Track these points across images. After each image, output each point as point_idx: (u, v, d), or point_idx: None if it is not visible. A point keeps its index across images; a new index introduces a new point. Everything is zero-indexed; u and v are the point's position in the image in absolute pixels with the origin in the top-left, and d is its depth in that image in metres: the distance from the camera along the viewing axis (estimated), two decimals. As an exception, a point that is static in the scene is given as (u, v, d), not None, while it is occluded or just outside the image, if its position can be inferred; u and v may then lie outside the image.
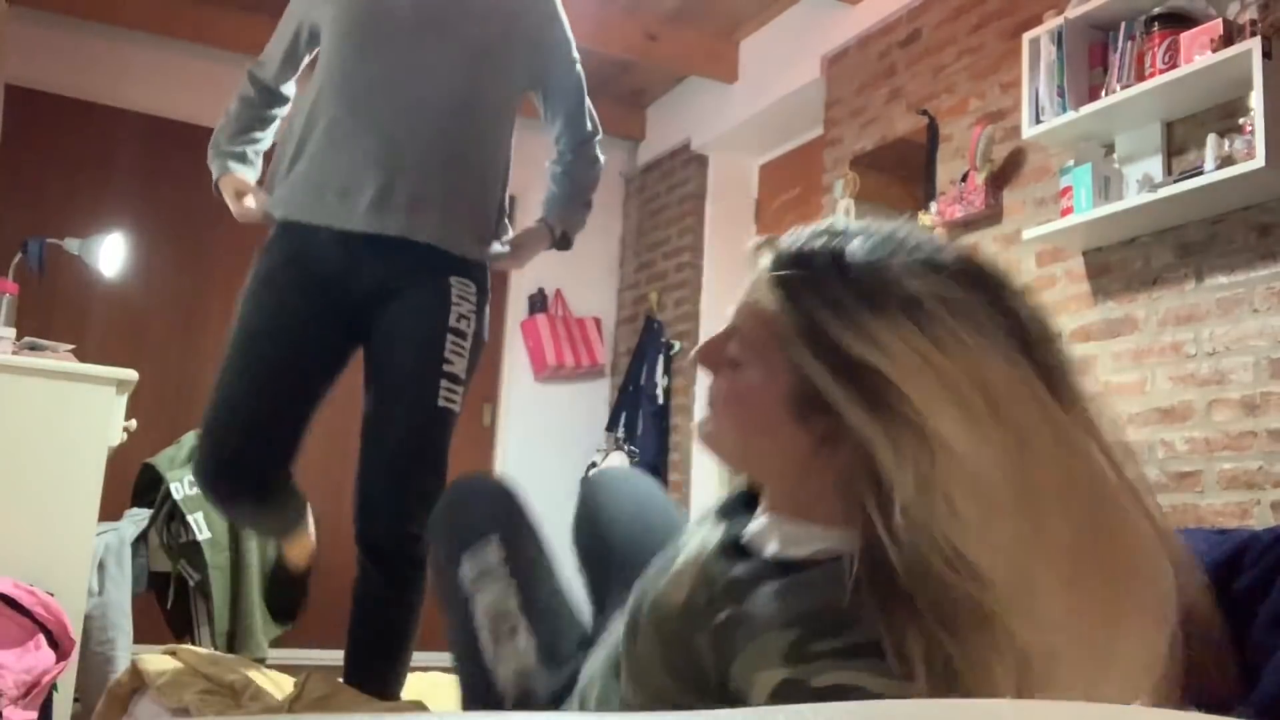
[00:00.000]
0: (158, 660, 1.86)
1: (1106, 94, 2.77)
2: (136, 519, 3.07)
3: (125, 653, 2.79)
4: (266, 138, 2.15)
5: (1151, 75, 2.66)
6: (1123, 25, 2.78)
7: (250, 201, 2.03)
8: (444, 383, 1.92)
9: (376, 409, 1.94)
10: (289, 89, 2.15)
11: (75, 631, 2.34)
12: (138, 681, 1.86)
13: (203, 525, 2.93)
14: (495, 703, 1.15)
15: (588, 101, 2.28)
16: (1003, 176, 3.26)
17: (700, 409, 4.95)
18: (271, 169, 2.04)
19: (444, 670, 2.21)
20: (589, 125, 2.28)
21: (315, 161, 1.95)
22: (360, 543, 1.92)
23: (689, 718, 0.52)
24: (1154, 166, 2.76)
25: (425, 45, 1.97)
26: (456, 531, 1.33)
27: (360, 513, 1.92)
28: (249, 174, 2.09)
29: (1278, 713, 1.65)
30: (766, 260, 0.91)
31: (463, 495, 1.42)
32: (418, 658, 2.00)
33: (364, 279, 1.95)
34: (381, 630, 1.93)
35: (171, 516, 3.00)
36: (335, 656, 1.96)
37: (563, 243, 2.26)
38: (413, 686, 2.05)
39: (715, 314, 4.85)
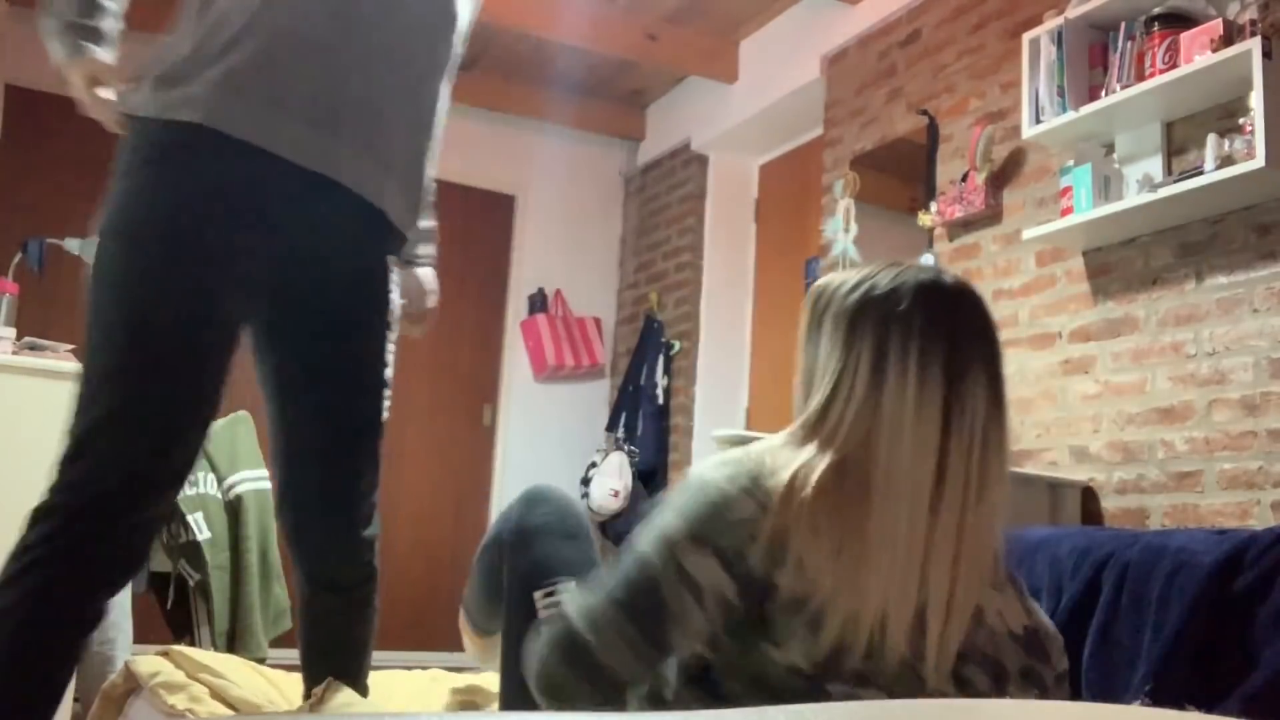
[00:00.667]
0: (151, 662, 1.86)
1: (1106, 94, 2.77)
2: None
3: (125, 652, 2.79)
4: (122, 3, 1.62)
5: (1151, 75, 2.66)
6: (1123, 25, 2.78)
7: (109, 93, 1.54)
8: (385, 393, 1.66)
9: (313, 429, 1.61)
10: None
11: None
12: (132, 683, 1.85)
13: (202, 525, 2.93)
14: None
15: None
16: (1003, 176, 3.26)
17: (701, 408, 4.92)
18: (177, 63, 1.51)
19: (444, 669, 2.21)
20: None
21: (270, 71, 1.48)
22: (308, 578, 1.69)
23: (690, 718, 0.53)
24: (1154, 166, 2.76)
25: None
26: (536, 554, 1.44)
27: (307, 553, 1.66)
28: (105, 55, 1.56)
29: (1264, 703, 1.66)
30: None
31: (546, 515, 1.48)
32: (419, 657, 1.99)
33: (296, 232, 1.53)
34: (345, 646, 1.73)
35: (171, 516, 3.00)
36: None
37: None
38: (413, 684, 2.05)
39: (715, 314, 4.85)
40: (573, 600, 1.13)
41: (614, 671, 1.08)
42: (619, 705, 1.13)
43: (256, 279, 1.51)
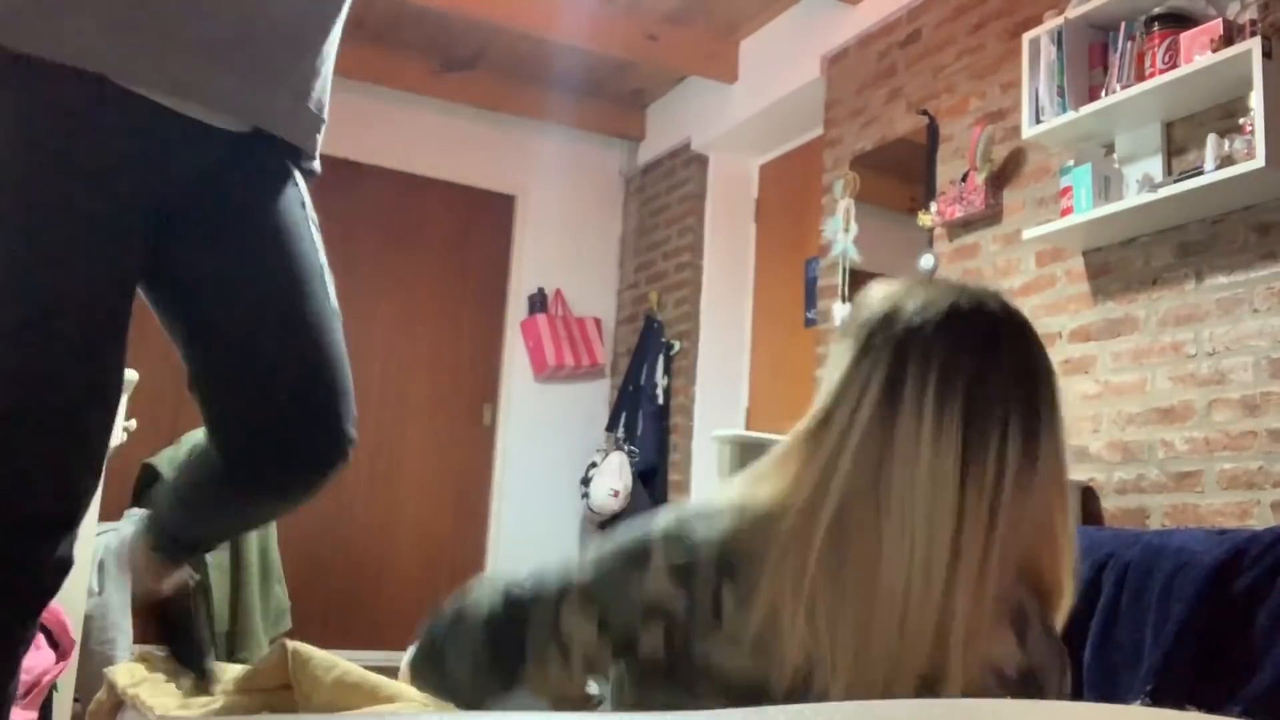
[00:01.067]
0: (128, 671, 1.85)
1: (1106, 94, 2.77)
2: (136, 519, 3.07)
3: (125, 653, 2.79)
4: None
5: (1151, 75, 2.66)
6: (1123, 25, 2.78)
7: None
8: (329, 279, 1.43)
9: (258, 323, 1.37)
10: None
11: (75, 631, 2.34)
12: (115, 697, 1.85)
13: (203, 525, 2.93)
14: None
15: None
16: (1003, 176, 3.26)
17: (701, 408, 4.90)
18: None
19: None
20: None
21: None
22: (264, 478, 1.45)
23: (694, 718, 0.53)
24: (1154, 166, 2.77)
25: None
26: None
27: (271, 485, 1.44)
28: None
29: (1269, 705, 1.66)
30: None
31: None
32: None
33: (183, 167, 1.33)
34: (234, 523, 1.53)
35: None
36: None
37: None
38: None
39: (715, 314, 4.85)
40: (474, 593, 1.09)
41: (458, 681, 1.08)
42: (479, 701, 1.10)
43: (155, 234, 1.32)
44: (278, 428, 1.39)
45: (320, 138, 1.46)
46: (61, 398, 1.21)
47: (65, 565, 1.24)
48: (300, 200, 1.42)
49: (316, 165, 1.48)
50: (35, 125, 1.21)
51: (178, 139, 1.30)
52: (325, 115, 1.46)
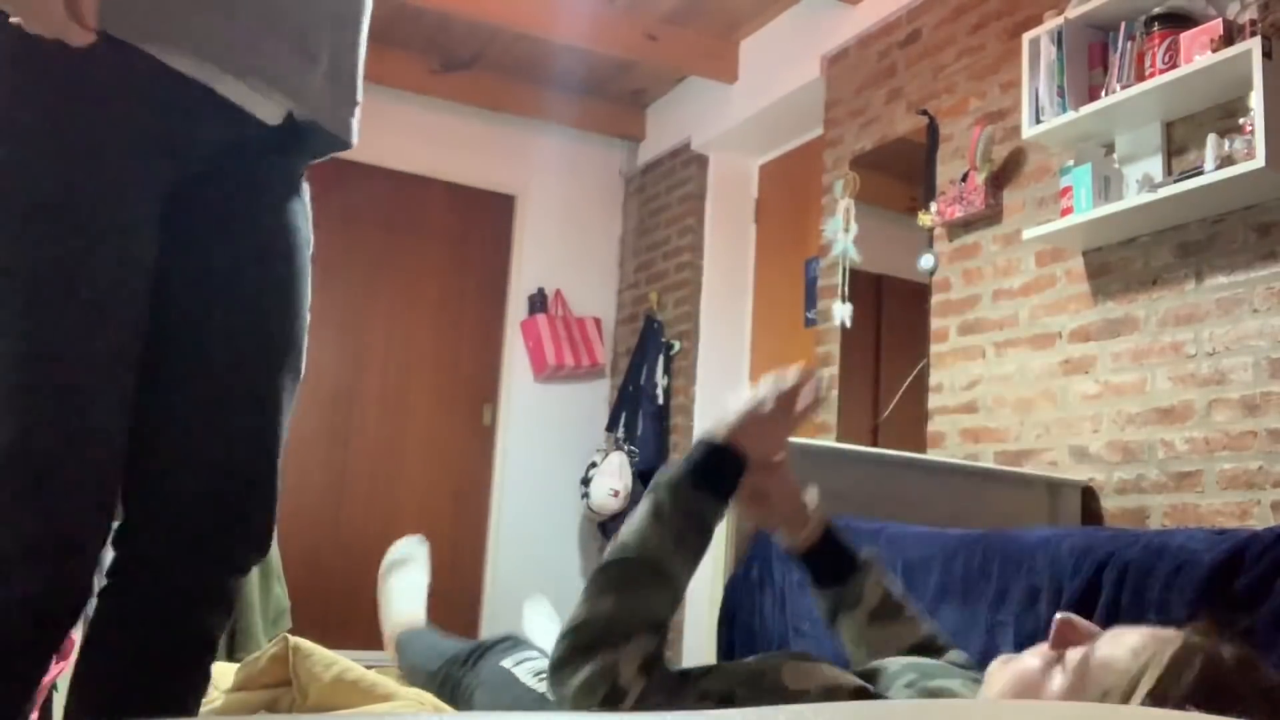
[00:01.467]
0: None
1: (1106, 94, 2.77)
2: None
3: (125, 653, 2.78)
4: None
5: (1151, 75, 2.66)
6: (1123, 25, 2.78)
7: (91, 18, 1.04)
8: (304, 346, 1.31)
9: (211, 398, 1.21)
10: None
11: (75, 632, 2.34)
12: None
13: (203, 525, 2.92)
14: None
15: None
16: (1003, 176, 3.26)
17: (701, 408, 4.82)
18: None
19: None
20: None
21: None
22: (165, 590, 1.24)
23: (693, 718, 0.53)
24: (1154, 166, 2.77)
25: None
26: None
27: (188, 554, 1.22)
28: None
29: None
30: None
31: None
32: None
33: (202, 144, 1.22)
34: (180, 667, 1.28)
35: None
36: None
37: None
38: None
39: (715, 314, 4.85)
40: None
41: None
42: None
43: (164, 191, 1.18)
44: (209, 501, 1.22)
45: (355, 122, 1.35)
46: (102, 421, 1.09)
47: (86, 596, 1.15)
48: (303, 211, 1.33)
49: (353, 140, 1.35)
50: (70, 99, 1.09)
51: (209, 119, 1.19)
52: (359, 96, 1.36)
